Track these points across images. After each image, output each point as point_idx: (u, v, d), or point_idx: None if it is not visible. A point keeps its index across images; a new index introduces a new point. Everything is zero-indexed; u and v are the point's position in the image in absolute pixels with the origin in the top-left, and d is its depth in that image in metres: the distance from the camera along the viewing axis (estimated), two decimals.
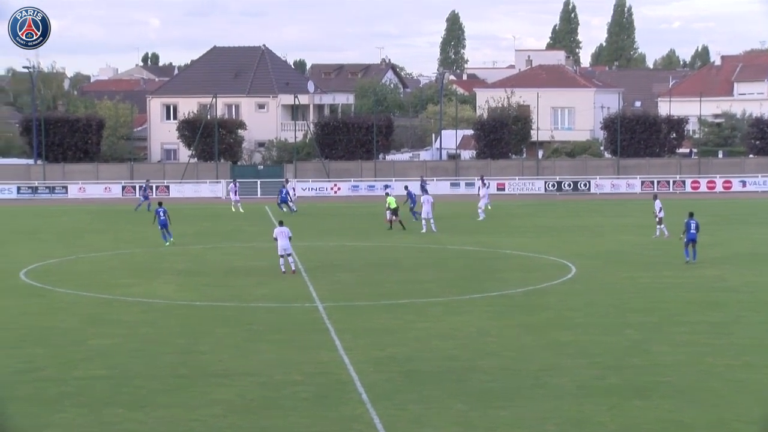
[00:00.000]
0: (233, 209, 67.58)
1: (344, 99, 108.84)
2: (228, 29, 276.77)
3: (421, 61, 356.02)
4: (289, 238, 40.05)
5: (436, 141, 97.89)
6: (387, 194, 58.73)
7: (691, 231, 42.27)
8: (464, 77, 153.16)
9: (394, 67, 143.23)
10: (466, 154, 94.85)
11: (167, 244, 49.22)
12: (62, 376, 24.96)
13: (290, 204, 66.07)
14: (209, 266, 43.43)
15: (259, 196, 79.88)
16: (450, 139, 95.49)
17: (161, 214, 48.58)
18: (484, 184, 66.31)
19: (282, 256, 39.97)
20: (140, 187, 73.25)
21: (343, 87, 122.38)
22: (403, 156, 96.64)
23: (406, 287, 37.66)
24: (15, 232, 56.66)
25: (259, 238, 51.36)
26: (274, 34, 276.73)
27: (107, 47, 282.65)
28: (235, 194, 68.94)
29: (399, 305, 34.16)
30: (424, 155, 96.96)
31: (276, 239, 40.14)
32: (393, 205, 55.13)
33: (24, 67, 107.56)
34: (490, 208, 62.98)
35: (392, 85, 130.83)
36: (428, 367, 25.77)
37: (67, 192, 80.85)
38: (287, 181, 72.94)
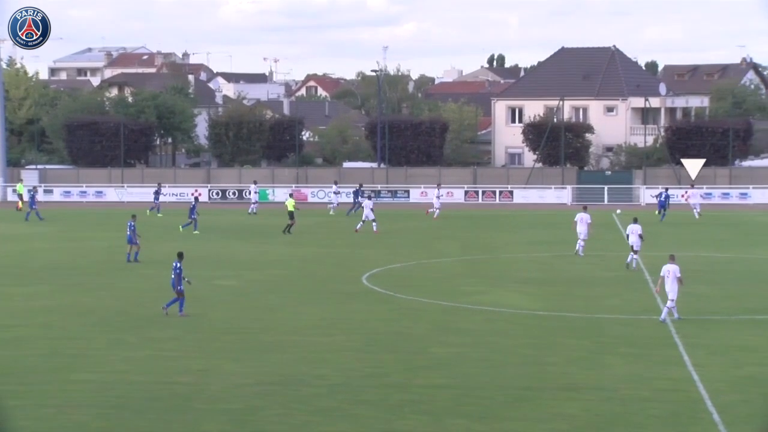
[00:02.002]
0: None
1: (698, 102, 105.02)
2: (586, 29, 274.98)
3: None
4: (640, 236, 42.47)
5: None
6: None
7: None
8: None
9: (755, 67, 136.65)
10: None
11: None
12: (406, 383, 25.02)
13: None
14: (557, 275, 42.69)
15: (606, 202, 78.20)
16: None
17: (130, 227, 45.95)
18: None
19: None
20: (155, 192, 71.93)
21: (698, 89, 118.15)
22: (763, 162, 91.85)
23: None
24: (361, 235, 57.94)
25: (607, 248, 50.15)
26: (634, 35, 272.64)
27: (453, 49, 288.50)
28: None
29: (762, 321, 32.49)
30: None
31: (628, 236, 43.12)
32: (290, 209, 57.61)
33: (372, 71, 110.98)
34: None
35: (753, 86, 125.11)
36: None
37: (408, 196, 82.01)
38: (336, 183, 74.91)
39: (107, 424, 22.03)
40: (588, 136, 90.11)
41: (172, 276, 33.30)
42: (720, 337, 29.89)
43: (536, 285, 39.88)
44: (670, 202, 66.63)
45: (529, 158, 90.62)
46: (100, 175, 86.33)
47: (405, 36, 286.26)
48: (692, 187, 71.45)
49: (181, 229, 57.86)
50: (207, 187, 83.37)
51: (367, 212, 58.78)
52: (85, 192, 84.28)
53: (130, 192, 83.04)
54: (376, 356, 27.78)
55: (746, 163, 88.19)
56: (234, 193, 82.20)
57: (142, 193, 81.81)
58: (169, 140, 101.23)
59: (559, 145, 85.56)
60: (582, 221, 47.75)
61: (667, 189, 68.92)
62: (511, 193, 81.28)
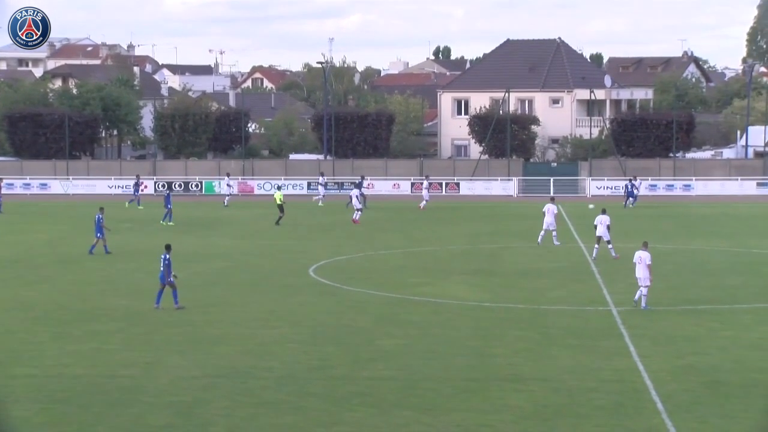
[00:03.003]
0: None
1: (642, 94, 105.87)
2: (531, 21, 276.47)
3: (728, 53, 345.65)
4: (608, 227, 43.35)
5: (741, 138, 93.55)
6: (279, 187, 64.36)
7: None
8: None
9: (696, 60, 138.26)
10: None
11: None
12: (352, 375, 25.02)
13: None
14: (502, 266, 42.85)
15: (552, 194, 78.52)
16: (758, 135, 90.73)
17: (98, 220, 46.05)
18: None
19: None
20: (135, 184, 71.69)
21: (642, 81, 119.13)
22: (705, 154, 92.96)
23: (710, 292, 36.10)
24: (307, 227, 57.84)
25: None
26: (578, 27, 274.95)
27: (399, 41, 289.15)
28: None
29: (702, 311, 32.77)
30: (728, 153, 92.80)
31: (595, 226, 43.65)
32: (279, 201, 57.79)
33: (318, 62, 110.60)
34: None
35: (694, 79, 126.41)
36: (733, 379, 24.77)
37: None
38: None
39: (50, 418, 21.81)
40: (534, 128, 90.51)
41: (161, 268, 33.02)
42: (664, 328, 30.17)
43: (482, 276, 39.99)
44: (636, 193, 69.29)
45: (475, 150, 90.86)
46: (45, 167, 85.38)
47: (350, 28, 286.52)
48: (635, 178, 72.48)
49: (167, 223, 57.55)
50: (153, 179, 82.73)
51: (354, 201, 59.49)
52: (29, 184, 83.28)
53: (75, 184, 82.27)
54: (322, 348, 27.73)
55: (689, 155, 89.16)
56: (180, 186, 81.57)
57: (88, 186, 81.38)
58: (115, 132, 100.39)
59: (505, 137, 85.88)
60: (549, 212, 48.30)
61: (633, 178, 70.58)
62: (458, 185, 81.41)
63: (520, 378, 24.67)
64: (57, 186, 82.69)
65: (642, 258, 32.58)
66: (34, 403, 22.75)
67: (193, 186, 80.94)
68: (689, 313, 32.45)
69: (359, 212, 59.18)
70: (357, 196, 60.13)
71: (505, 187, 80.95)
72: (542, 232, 48.35)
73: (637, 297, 32.86)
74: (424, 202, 67.97)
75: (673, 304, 33.85)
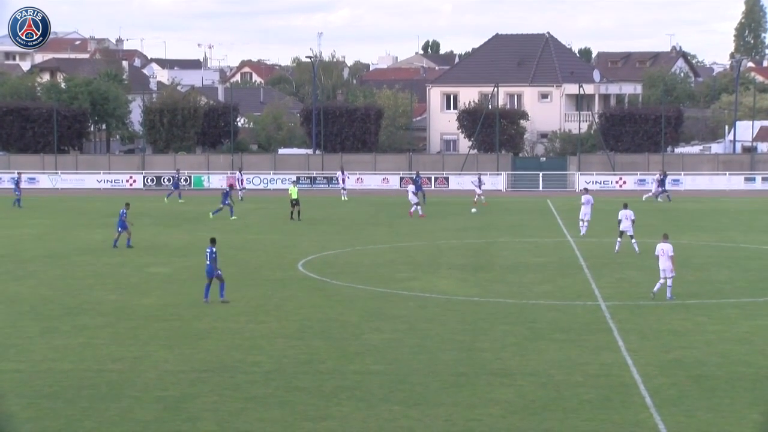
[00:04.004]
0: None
1: (631, 89, 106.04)
2: (520, 16, 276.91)
3: (715, 48, 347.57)
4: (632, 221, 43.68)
5: (729, 133, 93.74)
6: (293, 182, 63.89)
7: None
8: (764, 64, 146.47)
9: (685, 55, 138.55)
10: (764, 147, 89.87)
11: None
12: (340, 370, 25.03)
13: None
14: (490, 261, 42.90)
15: (541, 189, 78.76)
16: (745, 130, 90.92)
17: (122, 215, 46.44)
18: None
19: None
20: (173, 177, 73.37)
21: (631, 76, 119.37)
22: (693, 149, 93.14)
23: (698, 287, 36.24)
24: (306, 222, 57.82)
25: (542, 234, 50.47)
26: (569, 21, 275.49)
27: (388, 35, 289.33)
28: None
29: (689, 306, 32.85)
30: (716, 148, 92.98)
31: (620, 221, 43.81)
32: (294, 196, 57.42)
33: (306, 57, 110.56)
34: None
35: (682, 74, 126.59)
36: (719, 372, 24.86)
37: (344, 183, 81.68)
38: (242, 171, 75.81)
39: (37, 413, 21.78)
40: (523, 122, 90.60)
41: (207, 263, 33.08)
42: (651, 322, 30.27)
43: (469, 271, 40.03)
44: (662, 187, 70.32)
45: (464, 145, 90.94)
46: (33, 161, 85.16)
47: (339, 22, 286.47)
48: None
49: (211, 215, 58.19)
50: (142, 173, 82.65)
51: (411, 196, 59.85)
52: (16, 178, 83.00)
53: (63, 179, 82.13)
54: (310, 343, 27.75)
55: (678, 150, 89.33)
56: (169, 180, 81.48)
57: (77, 180, 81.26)
58: (103, 127, 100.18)
59: (493, 131, 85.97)
60: (587, 203, 49.26)
61: (665, 173, 71.88)
62: (447, 179, 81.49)
63: (507, 372, 24.72)
64: (45, 180, 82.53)
65: (664, 250, 33.30)
66: (21, 398, 22.71)
67: (182, 180, 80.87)
68: (677, 308, 32.54)
69: (417, 206, 59.37)
70: (413, 192, 60.48)
71: (493, 181, 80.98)
72: (584, 225, 49.12)
73: (656, 288, 33.46)
74: (481, 197, 67.98)
75: (661, 298, 33.93)
